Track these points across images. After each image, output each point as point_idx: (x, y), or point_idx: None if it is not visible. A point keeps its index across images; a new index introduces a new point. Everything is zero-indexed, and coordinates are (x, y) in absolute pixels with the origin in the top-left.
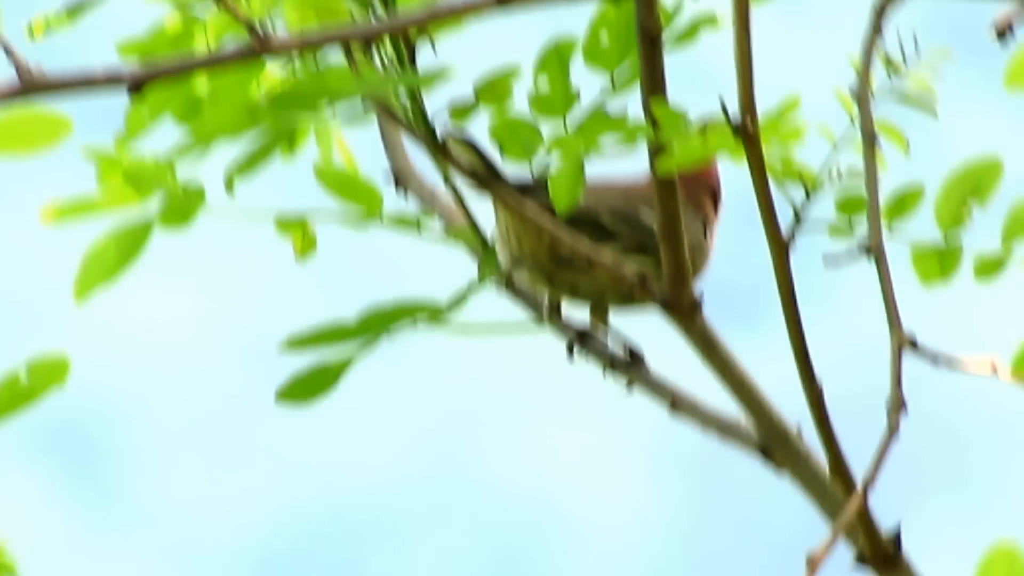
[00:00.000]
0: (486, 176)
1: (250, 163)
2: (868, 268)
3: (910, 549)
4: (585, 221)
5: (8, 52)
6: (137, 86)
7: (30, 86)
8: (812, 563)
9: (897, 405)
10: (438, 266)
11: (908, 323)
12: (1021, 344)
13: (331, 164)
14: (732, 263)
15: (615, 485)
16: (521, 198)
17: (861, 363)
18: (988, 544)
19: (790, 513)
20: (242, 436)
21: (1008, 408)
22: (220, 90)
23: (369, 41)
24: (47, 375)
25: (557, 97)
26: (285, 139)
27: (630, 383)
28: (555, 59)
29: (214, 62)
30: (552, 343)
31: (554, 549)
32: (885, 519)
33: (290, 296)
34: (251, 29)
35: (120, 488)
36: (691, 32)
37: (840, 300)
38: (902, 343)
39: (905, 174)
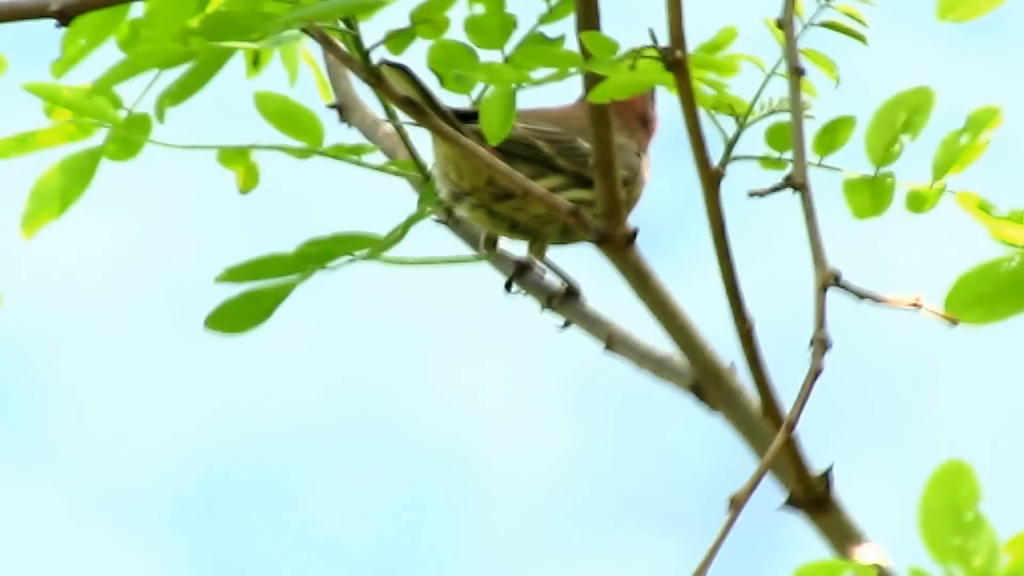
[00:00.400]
0: (423, 106)
1: (181, 91)
2: (796, 201)
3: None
4: (524, 153)
5: None
6: (65, 17)
7: None
8: (735, 503)
9: (821, 343)
10: (379, 198)
11: (835, 257)
12: (956, 281)
13: (274, 94)
14: (662, 193)
15: (539, 424)
16: (459, 129)
17: (788, 297)
18: (927, 467)
19: (718, 453)
20: (165, 372)
21: (925, 343)
22: (157, 14)
23: None
24: None
25: (493, 23)
26: (216, 66)
27: (567, 321)
28: None
29: None
30: (482, 278)
31: (475, 489)
32: (813, 459)
33: (228, 229)
34: None
35: (38, 424)
36: None
37: (769, 233)
38: (826, 280)
39: (837, 105)
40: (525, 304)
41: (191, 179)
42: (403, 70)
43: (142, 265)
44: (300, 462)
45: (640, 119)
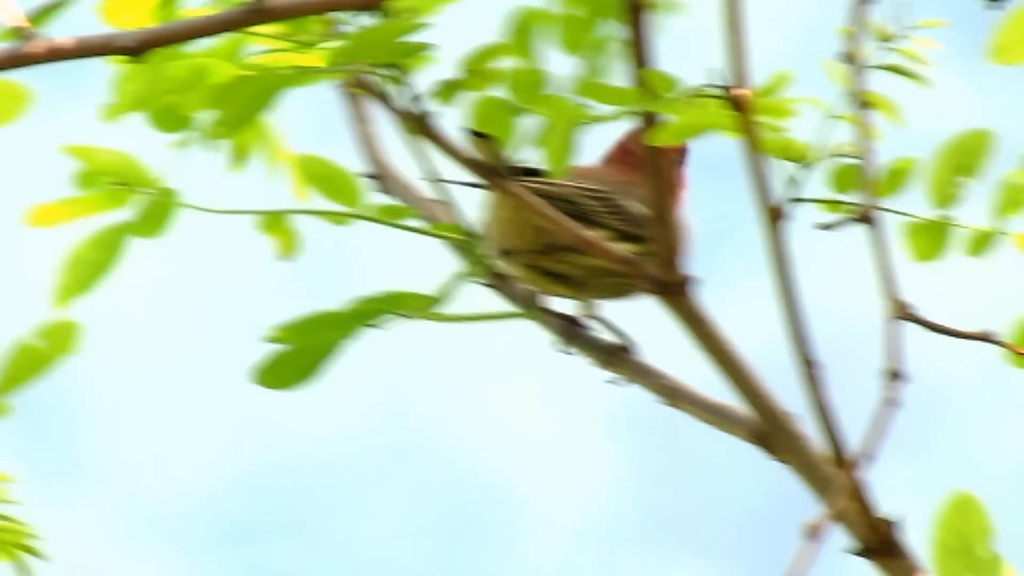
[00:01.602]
0: (495, 168)
1: (239, 117)
2: (852, 242)
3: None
4: (568, 210)
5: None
6: (136, 52)
7: (28, 56)
8: (813, 532)
9: (895, 375)
10: (412, 260)
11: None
12: (1021, 318)
13: (313, 156)
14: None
15: (575, 450)
16: (518, 185)
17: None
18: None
19: (756, 478)
20: (204, 395)
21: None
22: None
23: (370, 7)
24: (61, 341)
25: (529, 74)
26: (274, 90)
27: (622, 375)
28: (520, 33)
29: (214, 27)
30: (527, 335)
31: (514, 516)
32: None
33: (266, 289)
34: None
35: (76, 447)
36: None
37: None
38: (898, 311)
39: (898, 146)
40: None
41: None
42: (483, 136)
43: (182, 298)
44: (337, 489)
45: (677, 165)
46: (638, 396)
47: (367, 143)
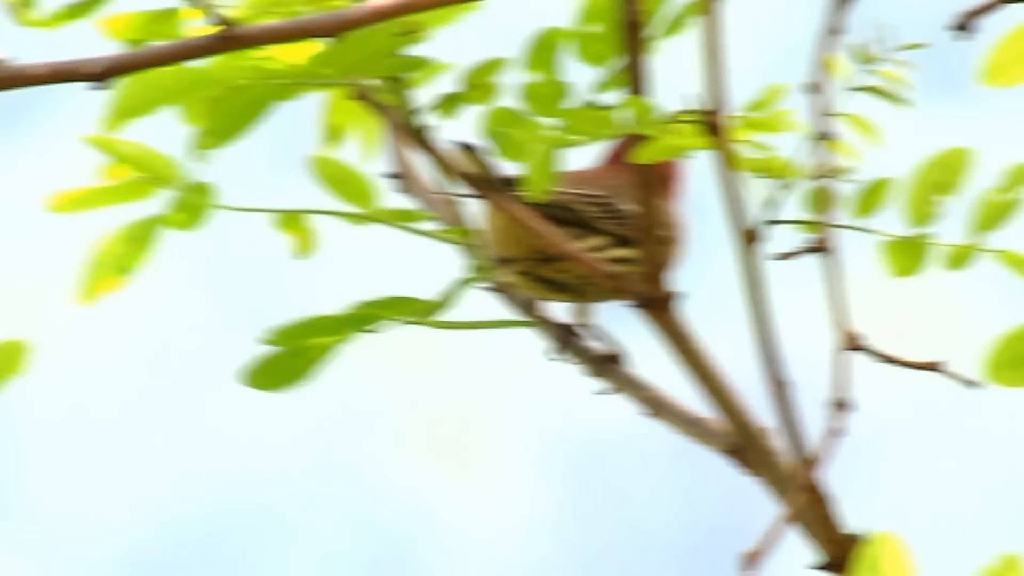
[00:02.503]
0: (484, 180)
1: (225, 130)
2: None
3: None
4: (566, 216)
5: None
6: (102, 78)
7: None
8: (750, 560)
9: (842, 405)
10: (429, 264)
11: (874, 316)
12: (995, 340)
13: (330, 158)
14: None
15: (500, 487)
16: (510, 196)
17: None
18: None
19: (684, 519)
20: (136, 438)
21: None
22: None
23: (345, 32)
24: (8, 362)
25: (549, 90)
26: (263, 104)
27: (610, 385)
28: (544, 49)
29: (180, 54)
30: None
31: (437, 550)
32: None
33: (272, 287)
34: (218, 19)
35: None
36: (677, 24)
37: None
38: (848, 341)
39: (880, 166)
40: (498, 369)
41: (225, 240)
42: (472, 148)
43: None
44: (267, 524)
45: (672, 178)
46: (570, 434)
47: (390, 142)
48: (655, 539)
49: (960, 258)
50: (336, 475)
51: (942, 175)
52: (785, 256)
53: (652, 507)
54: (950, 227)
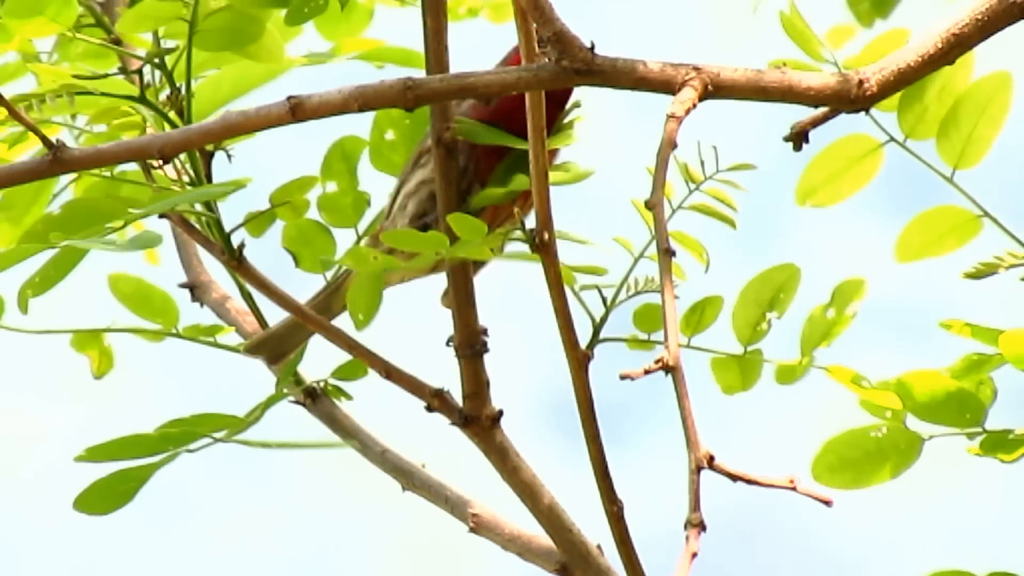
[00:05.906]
0: (279, 292)
1: (43, 281)
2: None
3: None
4: None
5: None
6: None
7: None
8: None
9: (696, 526)
10: (238, 378)
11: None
12: (823, 445)
13: (127, 276)
14: (534, 374)
15: None
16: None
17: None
18: None
19: None
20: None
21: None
22: (13, 198)
23: (164, 155)
24: None
25: (347, 201)
26: (78, 257)
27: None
28: (341, 157)
29: (14, 177)
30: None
31: None
32: None
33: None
34: (46, 142)
35: None
36: None
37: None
38: (700, 462)
39: (707, 285)
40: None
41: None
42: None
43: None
44: None
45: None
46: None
47: (183, 252)
48: None
49: (790, 373)
50: None
51: (766, 292)
52: (630, 376)
53: None
54: (785, 341)
